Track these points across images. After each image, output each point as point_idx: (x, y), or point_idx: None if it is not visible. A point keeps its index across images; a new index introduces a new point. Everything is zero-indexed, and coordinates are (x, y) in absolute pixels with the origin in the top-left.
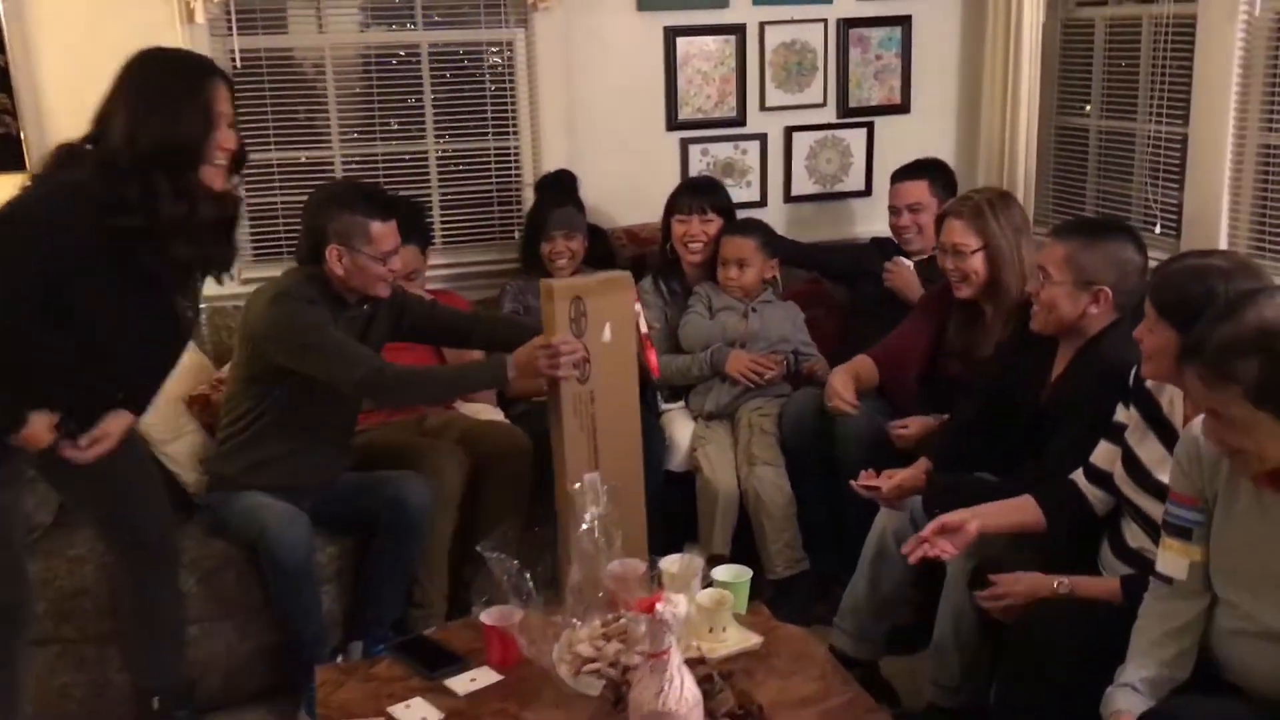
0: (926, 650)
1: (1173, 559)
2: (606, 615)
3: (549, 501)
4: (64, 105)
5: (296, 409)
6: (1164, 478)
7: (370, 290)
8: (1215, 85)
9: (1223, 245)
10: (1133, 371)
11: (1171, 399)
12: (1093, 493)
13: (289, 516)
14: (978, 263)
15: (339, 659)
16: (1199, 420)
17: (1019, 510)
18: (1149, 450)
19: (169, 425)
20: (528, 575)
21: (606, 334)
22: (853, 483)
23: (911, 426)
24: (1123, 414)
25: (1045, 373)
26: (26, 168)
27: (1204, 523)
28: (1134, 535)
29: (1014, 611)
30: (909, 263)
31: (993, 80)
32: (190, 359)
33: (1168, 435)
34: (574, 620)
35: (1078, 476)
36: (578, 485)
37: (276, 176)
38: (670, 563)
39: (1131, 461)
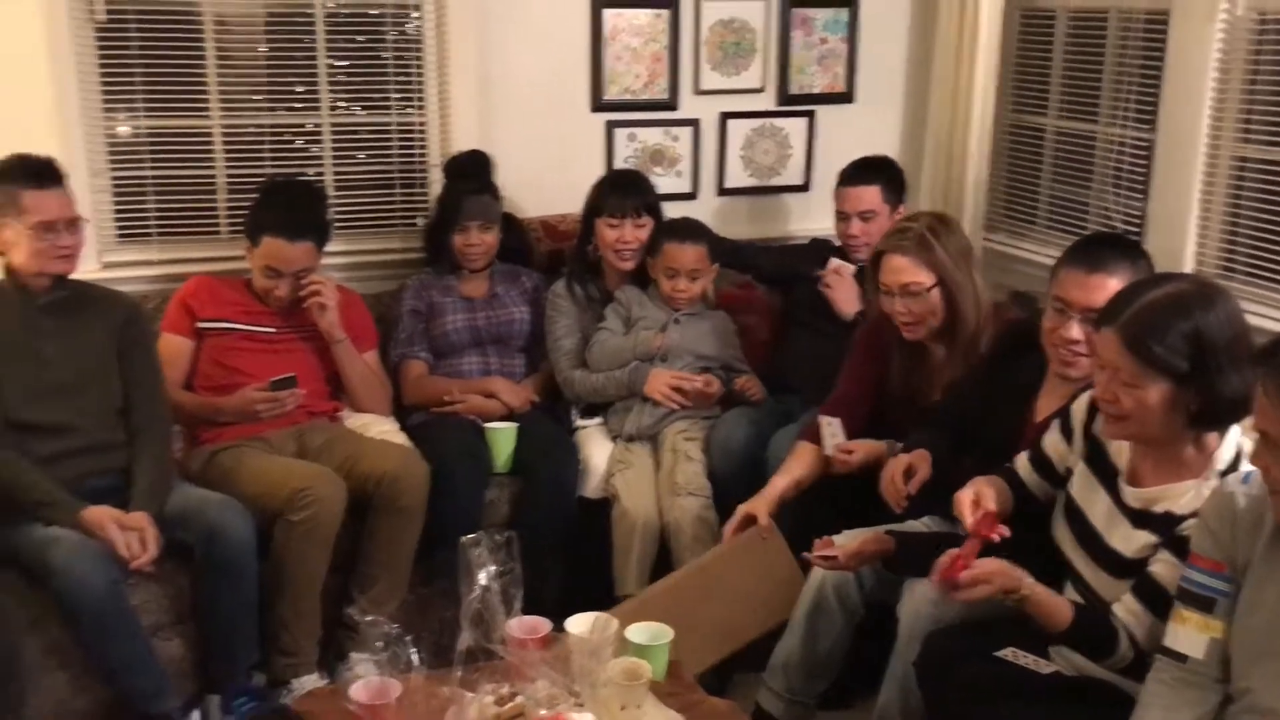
0: (862, 705)
1: (1189, 634)
2: (501, 688)
3: (446, 541)
4: None
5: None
6: (1114, 543)
7: (43, 269)
8: (1188, 89)
9: (1189, 261)
10: (1079, 407)
11: (1120, 445)
12: (1034, 479)
13: (80, 547)
14: (934, 301)
15: (195, 714)
16: (1236, 474)
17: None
18: (1096, 507)
19: None
20: (409, 639)
21: None
22: (806, 555)
23: (858, 451)
24: (1057, 449)
25: (1028, 411)
26: None
27: (1230, 594)
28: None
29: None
30: (851, 268)
31: (944, 71)
32: None
33: (1114, 488)
34: (463, 694)
35: (1019, 462)
36: (471, 538)
37: (146, 147)
38: (577, 624)
39: (1076, 517)
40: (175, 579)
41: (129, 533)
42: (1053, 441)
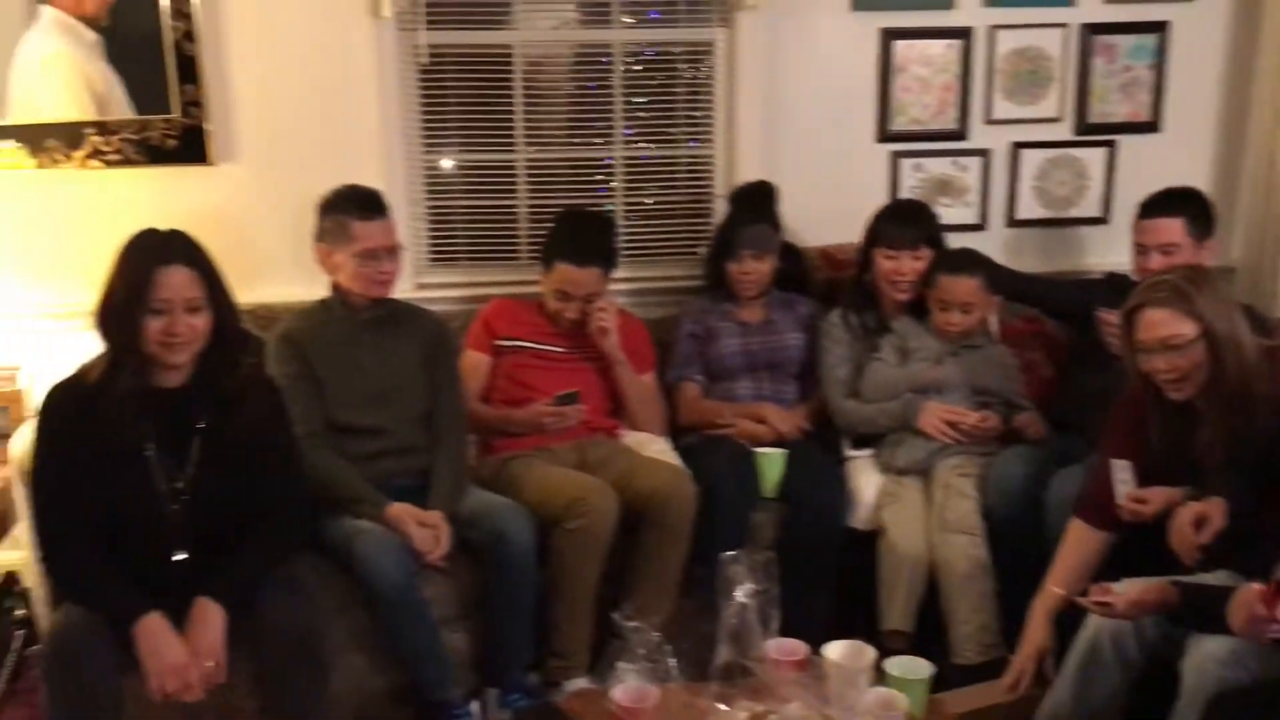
0: None
1: None
2: (756, 706)
3: (712, 560)
4: (250, 97)
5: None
6: None
7: (365, 291)
8: None
9: None
10: None
11: None
12: None
13: (382, 540)
14: (1199, 354)
15: (474, 705)
16: None
17: None
18: None
19: None
20: (669, 649)
21: None
22: (1080, 599)
23: (1152, 501)
24: None
25: None
26: (209, 160)
27: None
28: None
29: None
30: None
31: (1265, 98)
32: None
33: None
34: (718, 706)
35: None
36: (730, 555)
37: (457, 180)
38: (835, 649)
39: None
40: (463, 575)
41: (425, 529)
42: None
